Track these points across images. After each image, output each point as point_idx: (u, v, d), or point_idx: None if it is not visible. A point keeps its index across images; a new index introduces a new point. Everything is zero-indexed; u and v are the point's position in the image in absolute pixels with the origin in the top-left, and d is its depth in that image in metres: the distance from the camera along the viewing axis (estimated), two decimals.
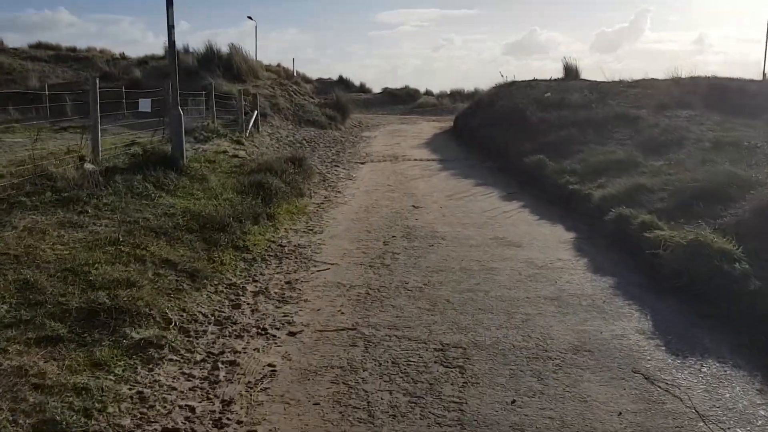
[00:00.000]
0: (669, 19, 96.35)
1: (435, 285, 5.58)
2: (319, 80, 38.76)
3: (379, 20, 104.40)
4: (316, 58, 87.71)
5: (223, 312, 4.93)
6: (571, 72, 23.00)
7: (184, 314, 4.68)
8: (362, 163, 14.37)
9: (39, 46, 27.42)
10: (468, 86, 39.53)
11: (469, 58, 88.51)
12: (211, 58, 23.83)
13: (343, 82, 40.32)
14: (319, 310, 5.02)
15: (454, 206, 9.19)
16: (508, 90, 19.30)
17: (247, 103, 16.97)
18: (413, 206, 9.20)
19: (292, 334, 4.53)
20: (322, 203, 9.55)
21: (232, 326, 4.66)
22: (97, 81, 8.45)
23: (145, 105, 17.35)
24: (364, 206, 9.28)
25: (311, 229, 7.80)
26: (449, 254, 6.59)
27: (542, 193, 9.73)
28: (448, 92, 38.64)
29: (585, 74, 22.72)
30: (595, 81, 20.25)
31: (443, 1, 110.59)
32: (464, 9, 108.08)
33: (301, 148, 15.97)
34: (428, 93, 39.16)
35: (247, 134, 15.09)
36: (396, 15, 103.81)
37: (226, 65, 22.98)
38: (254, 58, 26.83)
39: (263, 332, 4.56)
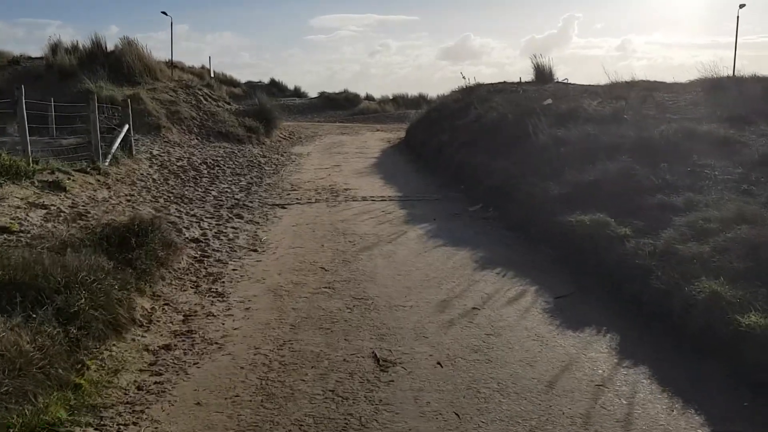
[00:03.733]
0: (595, 26, 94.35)
1: None
2: (249, 83, 32.84)
3: (315, 25, 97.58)
4: (254, 62, 79.99)
5: None
6: (543, 73, 18.12)
7: None
8: (283, 207, 8.82)
9: None
10: (410, 91, 34.79)
11: (407, 64, 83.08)
12: (97, 56, 17.73)
13: (275, 86, 34.51)
14: None
15: (469, 360, 3.82)
16: (476, 94, 14.13)
17: (116, 114, 11.13)
18: (376, 361, 3.79)
19: None
20: (169, 348, 3.97)
21: None
22: None
23: None
24: (264, 363, 3.79)
25: None
26: None
27: (634, 304, 4.49)
28: (391, 97, 33.80)
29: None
30: (584, 84, 15.46)
31: (380, 7, 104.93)
32: (401, 15, 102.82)
33: (195, 181, 10.23)
34: (369, 98, 33.99)
35: (107, 162, 9.24)
36: (332, 20, 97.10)
37: (115, 64, 16.88)
38: (170, 58, 20.49)
39: None
